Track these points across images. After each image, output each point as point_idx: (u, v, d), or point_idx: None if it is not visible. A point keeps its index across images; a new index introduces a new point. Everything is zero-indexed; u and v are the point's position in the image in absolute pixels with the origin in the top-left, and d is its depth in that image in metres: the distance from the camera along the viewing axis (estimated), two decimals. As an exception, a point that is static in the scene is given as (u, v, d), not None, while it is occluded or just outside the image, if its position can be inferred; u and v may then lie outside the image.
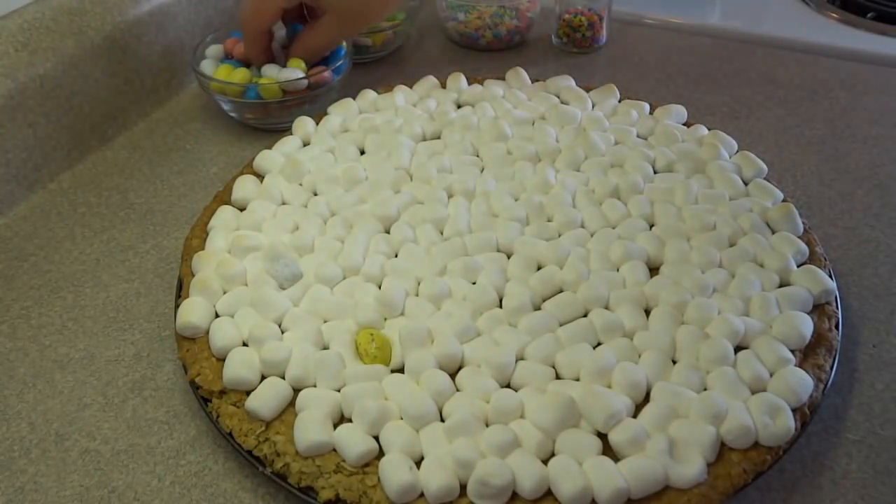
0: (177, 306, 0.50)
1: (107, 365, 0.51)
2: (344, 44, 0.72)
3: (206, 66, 0.70)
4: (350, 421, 0.43)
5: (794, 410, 0.42)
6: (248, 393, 0.44)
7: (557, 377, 0.45)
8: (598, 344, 0.47)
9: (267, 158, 0.61)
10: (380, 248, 0.53)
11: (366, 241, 0.53)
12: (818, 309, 0.49)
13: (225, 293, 0.50)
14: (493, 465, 0.39)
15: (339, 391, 0.44)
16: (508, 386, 0.45)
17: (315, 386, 0.45)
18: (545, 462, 0.40)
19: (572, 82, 0.69)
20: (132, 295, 0.56)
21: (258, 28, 0.67)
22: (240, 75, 0.68)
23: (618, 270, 0.51)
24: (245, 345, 0.47)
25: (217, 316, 0.49)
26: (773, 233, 0.54)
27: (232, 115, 0.71)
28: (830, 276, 0.51)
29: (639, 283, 0.50)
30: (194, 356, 0.47)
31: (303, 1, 0.67)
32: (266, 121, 0.70)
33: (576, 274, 0.50)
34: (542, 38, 0.85)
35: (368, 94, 0.68)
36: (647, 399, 0.44)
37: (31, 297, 0.56)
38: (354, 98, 0.68)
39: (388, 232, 0.55)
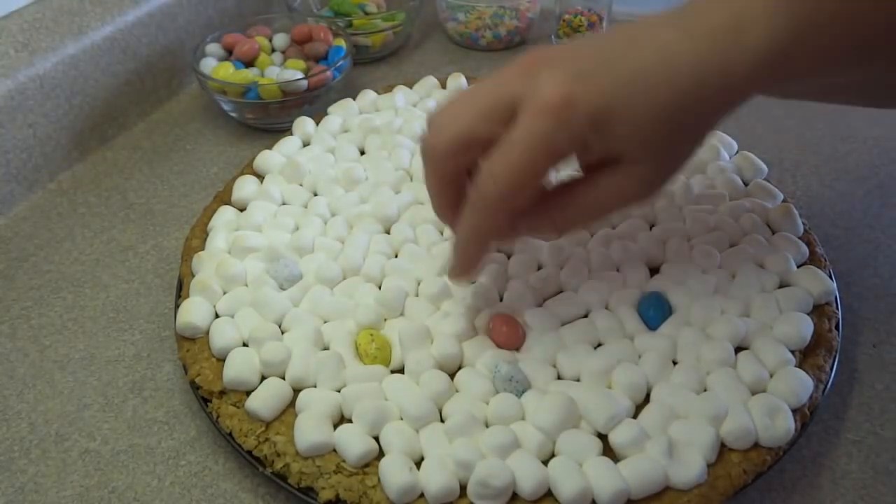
0: (177, 306, 0.50)
1: (107, 365, 0.51)
2: (344, 43, 0.72)
3: (207, 66, 0.70)
4: (350, 421, 0.43)
5: (794, 411, 0.42)
6: (248, 393, 0.44)
7: (558, 377, 0.45)
8: (599, 345, 0.47)
9: (267, 159, 0.61)
10: (380, 248, 0.53)
11: (366, 241, 0.53)
12: (818, 309, 0.49)
13: (225, 293, 0.50)
14: (494, 465, 0.39)
15: (339, 392, 0.44)
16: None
17: (315, 386, 0.45)
18: (545, 463, 0.40)
19: (572, 82, 0.69)
20: (132, 295, 0.56)
21: (440, 163, 0.40)
22: (240, 76, 0.69)
23: (618, 270, 0.51)
24: (245, 345, 0.47)
25: (217, 316, 0.49)
26: (773, 233, 0.54)
27: (232, 115, 0.71)
28: (830, 277, 0.51)
29: (639, 283, 0.50)
30: (194, 356, 0.47)
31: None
32: (266, 121, 0.70)
33: (576, 274, 0.50)
34: (542, 38, 0.85)
35: (368, 94, 0.68)
36: (647, 400, 0.44)
37: (31, 297, 0.56)
38: (354, 98, 0.68)
39: (388, 232, 0.55)
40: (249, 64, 0.72)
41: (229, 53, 0.72)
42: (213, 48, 0.72)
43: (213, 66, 0.70)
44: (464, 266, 0.42)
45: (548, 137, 0.36)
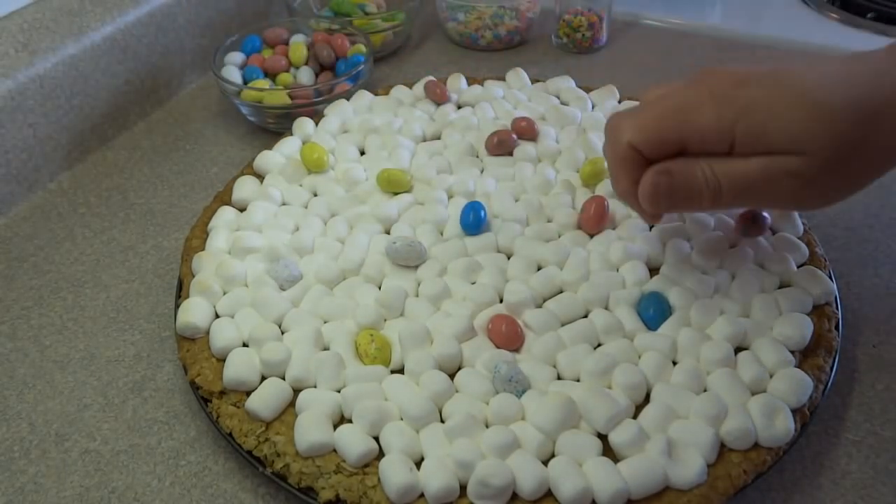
0: (177, 307, 0.50)
1: (107, 365, 0.51)
2: (364, 49, 0.71)
3: (231, 68, 0.71)
4: (350, 421, 0.43)
5: (793, 411, 0.42)
6: (248, 393, 0.44)
7: (558, 377, 0.45)
8: (599, 345, 0.47)
9: (267, 159, 0.61)
10: (380, 248, 0.53)
11: (366, 241, 0.53)
12: (818, 310, 0.49)
13: (225, 294, 0.50)
14: (494, 465, 0.39)
15: (339, 392, 0.44)
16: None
17: (315, 386, 0.45)
18: (545, 463, 0.40)
19: (572, 83, 0.69)
20: (132, 295, 0.56)
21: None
22: (277, 97, 0.68)
23: (617, 271, 0.51)
24: (245, 345, 0.47)
25: (217, 316, 0.49)
26: (774, 233, 0.54)
27: (251, 119, 0.70)
28: (830, 277, 0.51)
29: (639, 283, 0.50)
30: (194, 356, 0.47)
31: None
32: (285, 125, 0.69)
33: (576, 274, 0.50)
34: (542, 38, 0.85)
35: (364, 96, 0.68)
36: (647, 400, 0.44)
37: (31, 297, 0.56)
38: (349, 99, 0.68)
39: (388, 233, 0.55)
40: (270, 74, 0.72)
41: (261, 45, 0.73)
42: (232, 55, 0.72)
43: (236, 70, 0.71)
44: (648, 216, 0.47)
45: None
